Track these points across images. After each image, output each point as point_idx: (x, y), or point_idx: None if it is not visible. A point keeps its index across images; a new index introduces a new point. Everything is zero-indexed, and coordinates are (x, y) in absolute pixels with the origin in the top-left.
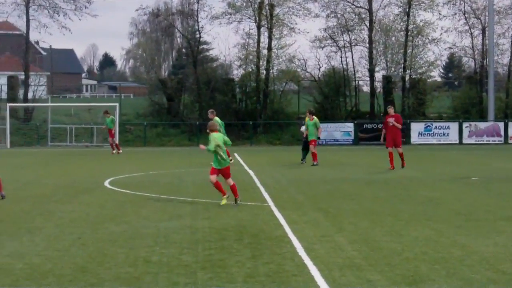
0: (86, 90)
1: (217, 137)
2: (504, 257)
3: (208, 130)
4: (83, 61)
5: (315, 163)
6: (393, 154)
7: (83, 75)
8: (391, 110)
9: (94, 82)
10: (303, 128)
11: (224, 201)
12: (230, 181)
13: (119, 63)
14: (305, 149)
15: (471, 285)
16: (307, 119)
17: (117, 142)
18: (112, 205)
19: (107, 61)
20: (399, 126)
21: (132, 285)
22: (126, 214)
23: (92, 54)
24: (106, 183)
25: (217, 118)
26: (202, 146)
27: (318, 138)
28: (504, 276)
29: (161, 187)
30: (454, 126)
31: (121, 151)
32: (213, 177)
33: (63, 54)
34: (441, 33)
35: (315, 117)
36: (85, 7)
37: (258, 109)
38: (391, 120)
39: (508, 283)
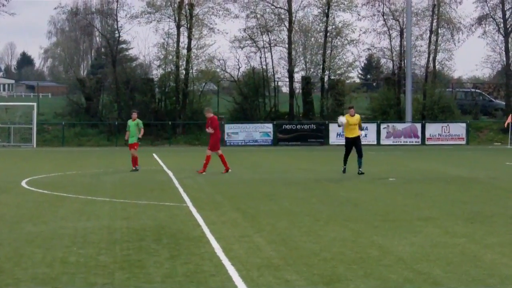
0: (3, 90)
1: None
2: (420, 257)
3: None
4: (0, 60)
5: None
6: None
7: (0, 74)
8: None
9: (12, 81)
10: (341, 118)
11: None
12: None
13: (37, 62)
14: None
15: (387, 285)
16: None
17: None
18: (29, 205)
19: (25, 60)
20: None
21: (49, 286)
22: (43, 214)
23: (9, 52)
24: (23, 183)
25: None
26: None
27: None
28: (420, 276)
29: (79, 187)
30: (372, 127)
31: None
32: None
33: None
34: (359, 34)
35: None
36: (3, 5)
37: (177, 110)
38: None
39: (424, 283)
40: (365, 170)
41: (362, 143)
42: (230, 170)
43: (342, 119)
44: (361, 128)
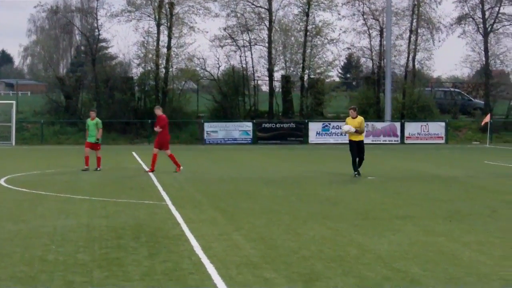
0: None
1: None
2: (398, 255)
3: None
4: None
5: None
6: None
7: None
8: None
9: None
10: (346, 126)
11: None
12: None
13: (17, 60)
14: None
15: (366, 283)
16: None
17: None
18: (8, 204)
19: (4, 58)
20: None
21: (28, 284)
22: (22, 213)
23: None
24: (2, 182)
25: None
26: None
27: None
28: (399, 274)
29: (59, 185)
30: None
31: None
32: None
33: None
34: (339, 34)
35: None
36: None
37: None
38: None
39: (402, 281)
40: (344, 169)
41: (343, 142)
42: (182, 168)
43: (346, 127)
44: (361, 132)
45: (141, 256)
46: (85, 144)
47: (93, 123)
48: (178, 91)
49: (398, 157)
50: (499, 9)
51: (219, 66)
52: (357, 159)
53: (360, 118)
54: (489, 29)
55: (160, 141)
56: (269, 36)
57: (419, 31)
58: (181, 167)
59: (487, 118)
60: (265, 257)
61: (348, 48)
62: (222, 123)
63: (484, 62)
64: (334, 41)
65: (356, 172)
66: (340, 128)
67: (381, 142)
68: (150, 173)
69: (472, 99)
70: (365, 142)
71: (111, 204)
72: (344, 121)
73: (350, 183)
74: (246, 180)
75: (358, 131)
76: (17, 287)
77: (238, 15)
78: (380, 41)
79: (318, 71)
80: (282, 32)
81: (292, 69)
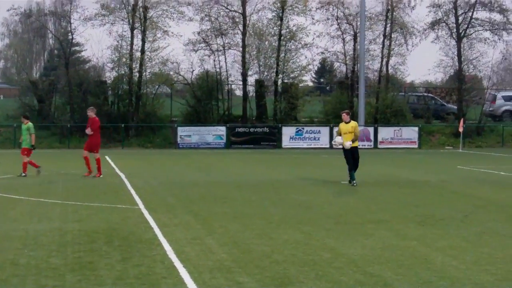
0: None
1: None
2: (371, 259)
3: None
4: None
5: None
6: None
7: None
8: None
9: None
10: (348, 144)
11: None
12: None
13: None
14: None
15: (339, 287)
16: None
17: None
18: None
19: None
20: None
21: None
22: None
23: None
24: None
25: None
26: None
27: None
28: (372, 278)
29: (31, 189)
30: (325, 130)
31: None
32: None
33: None
34: (313, 38)
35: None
36: None
37: (130, 112)
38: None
39: (375, 285)
40: (318, 173)
41: (316, 147)
42: (101, 176)
43: (337, 139)
44: (355, 138)
45: (114, 260)
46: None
47: (25, 128)
48: (151, 95)
49: (371, 162)
50: (472, 14)
51: (193, 70)
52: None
53: (353, 123)
54: (462, 34)
55: (91, 143)
56: (243, 41)
57: (392, 35)
58: (101, 175)
59: (462, 123)
60: (238, 261)
61: (322, 53)
62: (195, 127)
63: (457, 67)
64: (308, 45)
65: (354, 181)
66: (333, 139)
67: None
68: (124, 178)
69: (445, 104)
70: (339, 147)
71: (84, 208)
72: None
73: (323, 187)
74: (219, 184)
75: (353, 140)
76: None
77: (212, 19)
78: (354, 45)
79: (292, 75)
80: (256, 36)
81: (266, 73)
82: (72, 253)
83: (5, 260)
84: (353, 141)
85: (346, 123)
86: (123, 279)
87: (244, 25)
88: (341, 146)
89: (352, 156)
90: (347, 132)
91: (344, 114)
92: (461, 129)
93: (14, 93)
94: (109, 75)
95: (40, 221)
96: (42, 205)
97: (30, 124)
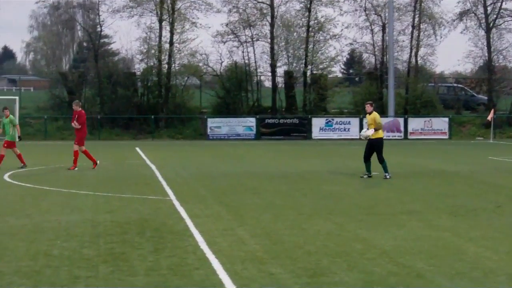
0: None
1: None
2: (403, 250)
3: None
4: None
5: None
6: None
7: None
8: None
9: None
10: (370, 132)
11: None
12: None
13: (19, 56)
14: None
15: (371, 278)
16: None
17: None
18: (12, 199)
19: (7, 54)
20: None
21: (33, 279)
22: (26, 208)
23: None
24: (6, 177)
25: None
26: None
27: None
28: (404, 269)
29: (62, 180)
30: (355, 121)
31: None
32: None
33: None
34: (342, 29)
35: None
36: None
37: (160, 104)
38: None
39: (407, 276)
40: (348, 164)
41: (346, 138)
42: (76, 169)
43: (365, 133)
44: (375, 129)
45: (146, 251)
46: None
47: (7, 121)
48: (181, 87)
49: (402, 153)
50: (501, 5)
51: (222, 62)
52: (377, 159)
53: (373, 114)
54: (491, 24)
55: (80, 137)
56: (271, 32)
57: (421, 26)
58: (75, 168)
59: (492, 114)
60: (270, 252)
61: (351, 44)
62: (225, 119)
63: (486, 58)
64: (337, 36)
65: (367, 173)
66: (362, 131)
67: (384, 137)
68: (155, 169)
69: (475, 94)
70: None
71: (116, 199)
72: (352, 116)
73: (354, 178)
74: (250, 175)
75: (376, 129)
76: (22, 282)
77: (240, 10)
78: (383, 36)
79: (320, 66)
80: (285, 27)
81: (294, 64)
82: (105, 244)
83: (38, 251)
84: (375, 130)
85: (369, 114)
86: (155, 270)
87: (272, 17)
88: (368, 139)
89: (368, 147)
90: (369, 124)
91: (367, 105)
92: (489, 118)
93: (44, 85)
94: (138, 67)
95: (72, 212)
96: (73, 196)
97: (12, 116)
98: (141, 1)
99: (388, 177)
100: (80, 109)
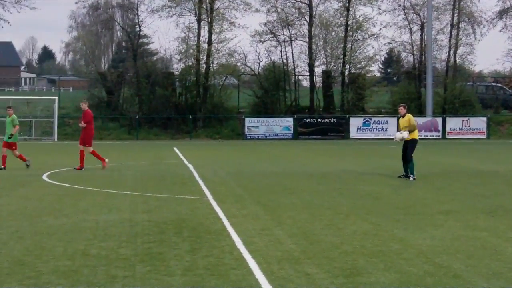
0: (25, 83)
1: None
2: (441, 250)
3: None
4: (21, 54)
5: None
6: None
7: (22, 68)
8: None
9: (33, 75)
10: (405, 134)
11: None
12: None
13: (59, 56)
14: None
15: (408, 278)
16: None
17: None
18: (50, 199)
19: (46, 54)
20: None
21: (70, 278)
22: (64, 208)
23: (31, 47)
24: (44, 177)
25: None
26: None
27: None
28: (441, 269)
29: (100, 180)
30: (392, 121)
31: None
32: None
33: (1, 47)
34: (380, 28)
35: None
36: None
37: (198, 103)
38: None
39: (444, 276)
40: (385, 164)
41: (383, 137)
42: (83, 169)
43: (397, 135)
44: (410, 130)
45: (183, 251)
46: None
47: (9, 120)
48: (219, 87)
49: (440, 153)
50: None
51: (260, 62)
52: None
53: (408, 116)
54: None
55: (84, 137)
56: (310, 31)
57: (460, 25)
58: (82, 168)
59: None
60: (306, 252)
61: (389, 43)
62: (263, 119)
63: None
64: (375, 35)
65: (406, 175)
66: (397, 133)
67: (422, 137)
68: (192, 169)
69: None
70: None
71: (153, 199)
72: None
73: (391, 178)
74: (287, 175)
75: (410, 131)
76: (59, 281)
77: (279, 10)
78: (421, 35)
79: (358, 66)
80: (323, 27)
81: (332, 64)
82: (142, 244)
83: (76, 251)
84: (409, 131)
85: (402, 117)
86: (192, 270)
87: (311, 16)
88: (403, 141)
89: (404, 148)
90: (403, 126)
91: (400, 108)
92: None
93: (83, 85)
94: (177, 67)
95: (110, 212)
96: (111, 196)
97: (14, 116)
98: (179, 1)
99: (411, 179)
100: (87, 108)
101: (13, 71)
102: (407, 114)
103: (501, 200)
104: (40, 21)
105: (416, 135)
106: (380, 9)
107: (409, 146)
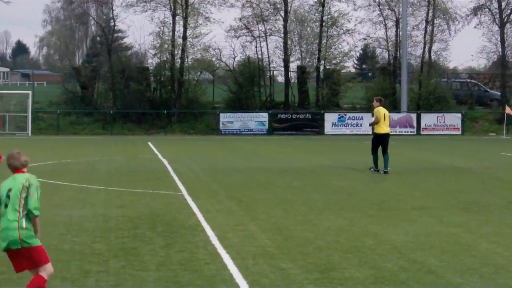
0: None
1: None
2: (414, 246)
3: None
4: None
5: None
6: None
7: None
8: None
9: (7, 69)
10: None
11: None
12: None
13: (33, 51)
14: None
15: (382, 273)
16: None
17: None
18: None
19: (20, 49)
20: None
21: None
22: None
23: (4, 41)
24: None
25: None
26: None
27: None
28: (415, 265)
29: (74, 175)
30: (367, 116)
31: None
32: None
33: None
34: (355, 24)
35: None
36: None
37: (172, 98)
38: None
39: (418, 271)
40: (360, 160)
41: (358, 133)
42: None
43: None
44: (372, 122)
45: (157, 246)
46: None
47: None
48: (193, 82)
49: (414, 148)
50: None
51: (235, 57)
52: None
53: (376, 109)
54: (505, 19)
55: None
56: (285, 27)
57: (435, 21)
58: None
59: (508, 110)
60: (281, 248)
61: (364, 39)
62: (237, 114)
63: (500, 53)
64: (350, 31)
65: (372, 167)
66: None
67: (397, 133)
68: (167, 164)
69: (489, 90)
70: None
71: (127, 194)
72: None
73: (365, 174)
74: (261, 170)
75: (374, 122)
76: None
77: (254, 5)
78: (396, 31)
79: (334, 61)
80: (298, 22)
81: (307, 59)
82: (116, 238)
83: (49, 245)
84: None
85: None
86: (166, 265)
87: (286, 11)
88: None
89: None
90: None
91: (374, 100)
92: (508, 113)
93: (57, 79)
94: (151, 62)
95: (84, 206)
96: (85, 191)
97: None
98: None
99: (372, 170)
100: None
101: None
102: (379, 107)
103: (475, 196)
104: (14, 16)
105: (378, 129)
106: (355, 4)
107: (372, 140)
